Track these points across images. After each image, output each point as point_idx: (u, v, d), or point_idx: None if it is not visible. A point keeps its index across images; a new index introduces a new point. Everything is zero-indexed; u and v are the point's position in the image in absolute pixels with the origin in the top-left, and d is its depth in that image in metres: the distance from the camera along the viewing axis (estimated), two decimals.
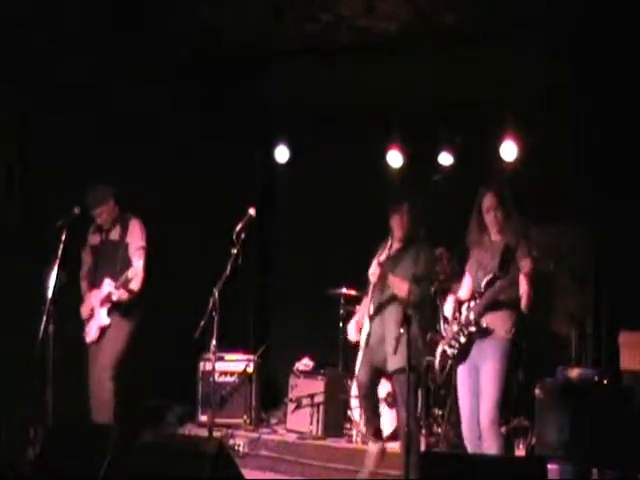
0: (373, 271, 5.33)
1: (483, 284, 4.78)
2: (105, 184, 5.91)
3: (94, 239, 6.00)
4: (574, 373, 5.90)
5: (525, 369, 6.54)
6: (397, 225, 5.42)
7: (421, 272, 5.16)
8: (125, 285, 5.66)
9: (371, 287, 5.39)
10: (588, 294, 6.79)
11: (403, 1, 6.16)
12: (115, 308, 5.76)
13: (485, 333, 4.74)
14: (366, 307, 5.45)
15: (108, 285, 5.70)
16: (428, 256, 5.36)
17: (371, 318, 5.33)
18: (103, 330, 5.77)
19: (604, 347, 6.53)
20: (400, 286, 5.12)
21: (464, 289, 5.08)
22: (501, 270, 4.72)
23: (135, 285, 5.71)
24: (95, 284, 5.86)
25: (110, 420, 5.49)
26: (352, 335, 5.47)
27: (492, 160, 6.76)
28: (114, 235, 5.92)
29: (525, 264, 4.69)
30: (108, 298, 5.71)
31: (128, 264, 5.73)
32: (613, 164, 6.57)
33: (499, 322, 4.75)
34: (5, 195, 6.11)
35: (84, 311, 5.86)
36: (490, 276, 4.75)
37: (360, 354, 5.37)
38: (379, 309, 5.31)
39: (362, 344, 5.34)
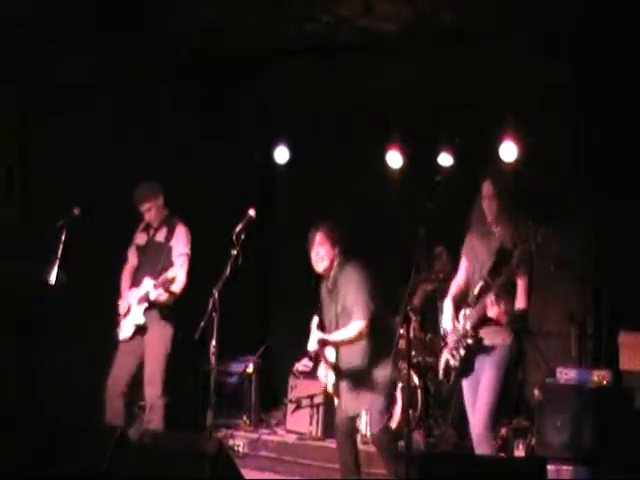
0: (314, 348, 5.04)
1: (476, 292, 4.70)
2: (154, 181, 5.88)
3: (140, 238, 5.98)
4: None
5: (525, 369, 6.54)
6: (315, 260, 5.06)
7: (354, 303, 4.88)
8: (164, 285, 5.61)
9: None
10: (588, 294, 6.79)
11: (403, 1, 6.16)
12: (154, 311, 5.72)
13: (481, 346, 4.67)
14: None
15: (147, 284, 5.68)
16: (358, 280, 4.95)
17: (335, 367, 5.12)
18: (138, 329, 5.73)
19: (604, 347, 6.53)
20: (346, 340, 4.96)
21: (460, 274, 4.98)
22: (492, 276, 4.65)
23: (176, 288, 5.67)
24: (135, 283, 5.84)
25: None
26: (323, 379, 5.26)
27: (492, 160, 6.76)
28: (160, 237, 5.89)
29: (521, 280, 4.63)
30: (146, 297, 5.67)
31: (170, 267, 5.69)
32: (613, 164, 6.56)
33: (495, 331, 4.65)
34: (5, 195, 6.10)
35: (121, 308, 5.82)
36: (482, 284, 4.67)
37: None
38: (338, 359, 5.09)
39: (330, 390, 5.17)
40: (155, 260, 5.77)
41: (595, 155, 6.73)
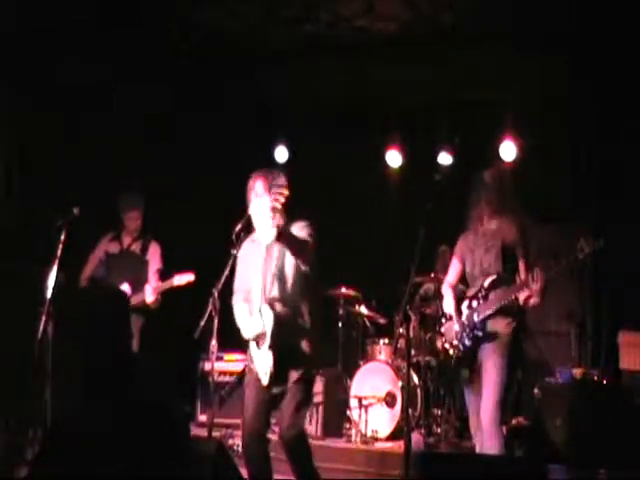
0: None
1: (486, 284, 4.71)
2: (138, 190, 6.10)
3: (112, 246, 6.12)
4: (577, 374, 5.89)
5: (525, 369, 6.54)
6: (259, 210, 4.72)
7: None
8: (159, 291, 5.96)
9: None
10: (588, 294, 6.79)
11: (403, 1, 6.16)
12: (137, 314, 5.95)
13: (491, 337, 4.69)
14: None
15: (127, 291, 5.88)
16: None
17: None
18: None
19: (604, 347, 6.53)
20: None
21: (452, 273, 4.97)
22: (505, 271, 4.68)
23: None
24: None
25: None
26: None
27: (492, 160, 6.76)
28: (135, 248, 6.10)
29: (522, 268, 4.68)
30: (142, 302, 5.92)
31: (146, 279, 5.98)
32: (613, 164, 6.57)
33: (500, 321, 4.70)
34: (4, 195, 6.10)
35: None
36: (494, 277, 4.69)
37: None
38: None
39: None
40: (131, 270, 6.00)
41: (595, 155, 6.73)
